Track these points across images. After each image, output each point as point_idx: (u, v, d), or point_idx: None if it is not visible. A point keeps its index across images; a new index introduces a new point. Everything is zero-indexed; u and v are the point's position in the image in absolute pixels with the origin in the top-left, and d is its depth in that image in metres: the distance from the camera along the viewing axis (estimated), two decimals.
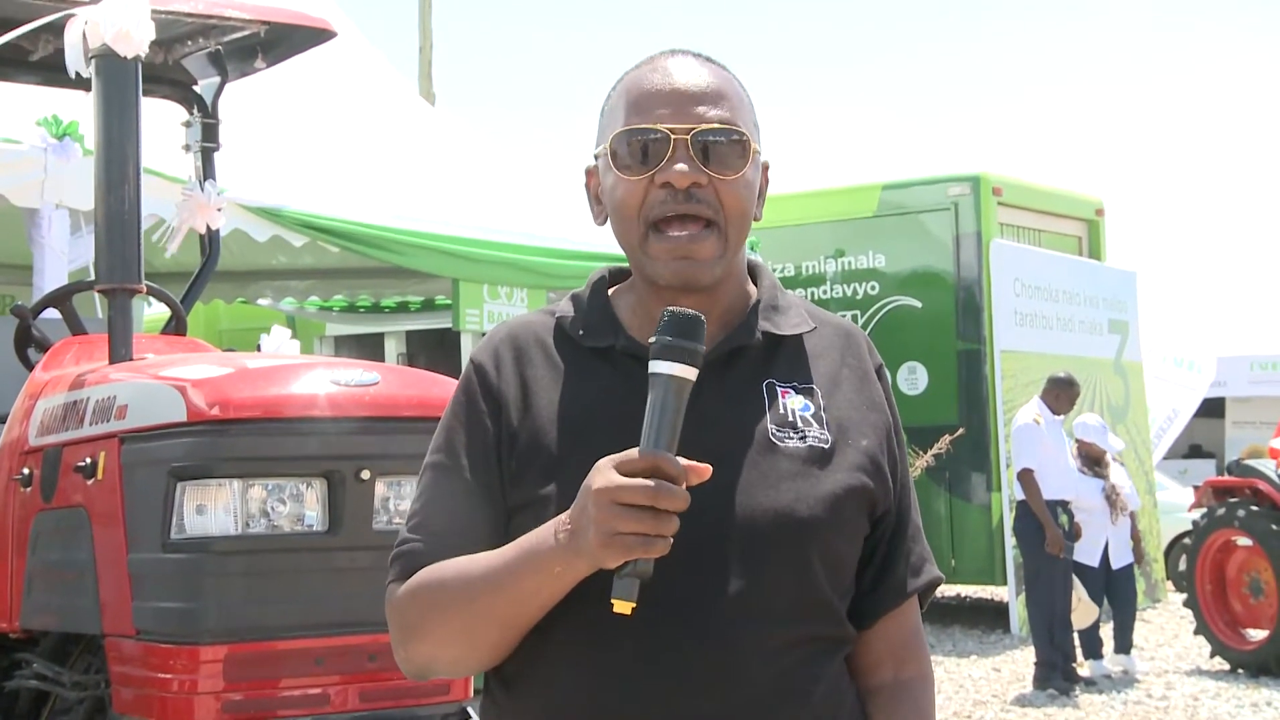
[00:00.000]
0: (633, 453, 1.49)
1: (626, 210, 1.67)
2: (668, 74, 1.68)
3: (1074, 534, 8.75)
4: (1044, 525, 8.54)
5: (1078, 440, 9.16)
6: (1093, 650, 9.10)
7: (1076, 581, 8.78)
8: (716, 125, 1.65)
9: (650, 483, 1.47)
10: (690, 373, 1.53)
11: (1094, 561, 9.03)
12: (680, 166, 1.64)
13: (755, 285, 1.77)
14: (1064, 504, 8.72)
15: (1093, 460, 9.18)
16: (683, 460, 1.49)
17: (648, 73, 1.70)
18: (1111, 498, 9.06)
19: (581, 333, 1.71)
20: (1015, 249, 11.64)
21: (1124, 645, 9.31)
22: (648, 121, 1.65)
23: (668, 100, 1.66)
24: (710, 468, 1.52)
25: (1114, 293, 12.78)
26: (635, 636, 1.56)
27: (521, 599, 1.57)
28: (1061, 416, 9.05)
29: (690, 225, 1.65)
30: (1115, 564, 9.17)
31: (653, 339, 1.54)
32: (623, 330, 1.70)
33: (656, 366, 1.53)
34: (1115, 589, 9.25)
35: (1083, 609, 8.83)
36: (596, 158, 1.73)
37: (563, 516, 1.53)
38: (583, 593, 1.55)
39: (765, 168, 1.76)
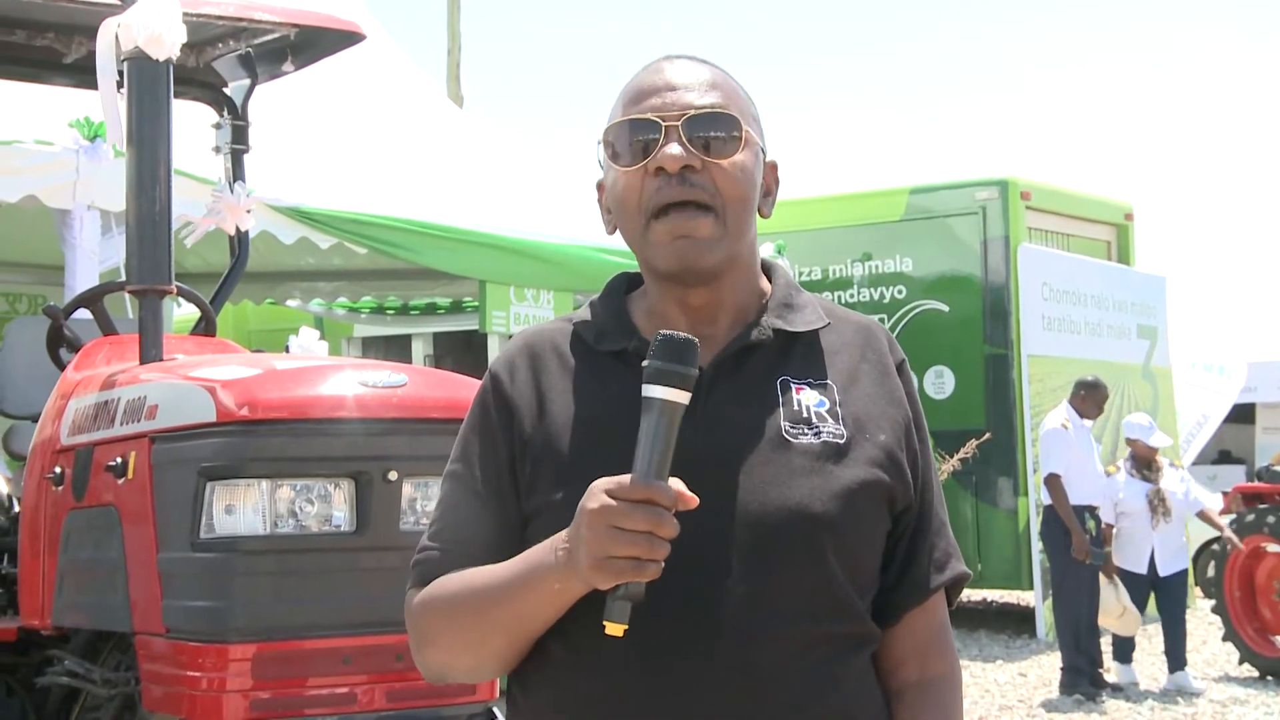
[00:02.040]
0: (625, 478, 1.49)
1: (628, 203, 1.67)
2: (661, 72, 1.70)
3: (1101, 539, 8.70)
4: (1071, 530, 8.50)
5: (1127, 440, 9.05)
6: (1123, 655, 9.03)
7: (1121, 589, 8.65)
8: (707, 110, 1.66)
9: (644, 507, 1.47)
10: (683, 397, 1.52)
11: (1141, 568, 8.86)
12: (671, 150, 1.64)
13: (770, 284, 1.77)
14: (1091, 509, 8.67)
15: (1144, 463, 9.00)
16: (674, 484, 1.50)
17: (643, 74, 1.72)
18: (1154, 502, 8.86)
19: (596, 337, 1.71)
20: (1043, 253, 11.60)
21: (1178, 662, 8.96)
22: (639, 113, 1.67)
23: (660, 93, 1.67)
24: (696, 499, 1.51)
25: (1143, 297, 12.71)
26: (652, 637, 1.56)
27: (525, 613, 1.59)
28: (1090, 421, 9.00)
29: (687, 208, 1.65)
30: (1163, 571, 8.92)
31: (645, 362, 1.54)
32: (637, 333, 1.70)
33: (649, 391, 1.53)
34: (1164, 598, 8.97)
35: (1128, 617, 8.67)
36: (600, 163, 1.73)
37: (561, 535, 1.54)
38: (598, 594, 1.55)
39: (773, 167, 1.76)
